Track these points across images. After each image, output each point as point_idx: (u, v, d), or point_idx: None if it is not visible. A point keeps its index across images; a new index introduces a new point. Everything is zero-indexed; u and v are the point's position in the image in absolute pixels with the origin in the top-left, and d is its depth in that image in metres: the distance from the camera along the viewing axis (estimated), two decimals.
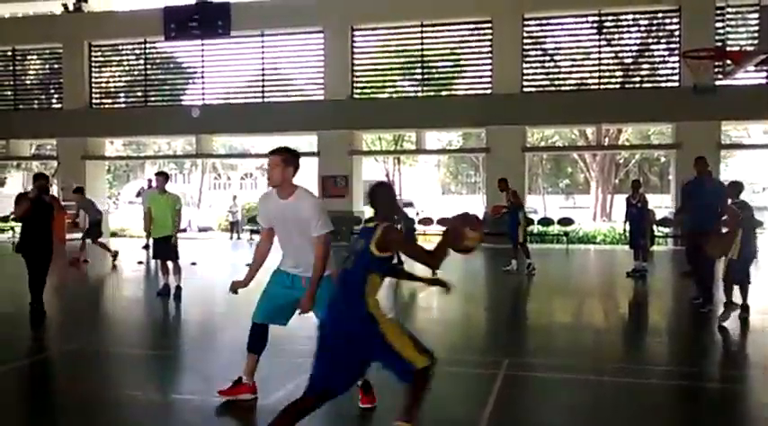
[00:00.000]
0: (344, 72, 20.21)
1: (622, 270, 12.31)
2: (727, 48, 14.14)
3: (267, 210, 4.81)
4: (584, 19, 19.47)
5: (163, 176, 10.08)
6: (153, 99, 22.72)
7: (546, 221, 20.75)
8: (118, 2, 23.90)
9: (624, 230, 12.52)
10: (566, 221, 20.10)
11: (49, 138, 24.42)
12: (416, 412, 3.78)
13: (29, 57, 24.17)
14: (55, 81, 23.51)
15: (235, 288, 4.91)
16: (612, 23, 19.59)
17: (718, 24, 17.24)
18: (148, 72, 22.83)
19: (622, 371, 5.96)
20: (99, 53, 22.94)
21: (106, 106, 23.21)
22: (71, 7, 22.50)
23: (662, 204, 24.54)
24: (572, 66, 19.93)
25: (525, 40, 19.34)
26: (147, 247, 14.91)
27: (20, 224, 8.35)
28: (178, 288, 9.60)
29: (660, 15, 19.20)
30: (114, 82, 23.70)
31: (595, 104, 18.49)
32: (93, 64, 22.72)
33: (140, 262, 14.70)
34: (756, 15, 13.30)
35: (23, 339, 7.36)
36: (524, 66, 19.34)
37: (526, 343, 7.43)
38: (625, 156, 38.88)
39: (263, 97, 21.41)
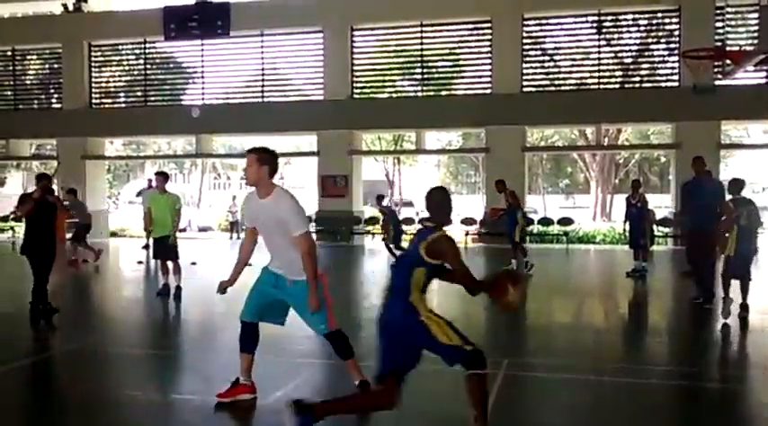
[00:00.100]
0: (344, 72, 20.20)
1: (622, 270, 12.31)
2: (727, 48, 14.13)
3: (250, 210, 4.83)
4: (583, 19, 19.47)
5: (162, 176, 10.08)
6: (153, 99, 22.72)
7: (546, 221, 20.74)
8: (117, 2, 23.91)
9: (624, 230, 12.51)
10: (565, 221, 20.11)
11: (48, 138, 24.42)
12: (486, 412, 3.87)
13: (29, 57, 24.16)
14: (55, 81, 23.50)
15: (222, 287, 4.92)
16: (612, 23, 19.59)
17: (718, 24, 17.24)
18: (148, 72, 22.83)
19: (622, 371, 5.96)
20: (99, 53, 22.94)
21: (106, 106, 23.20)
22: (71, 7, 22.48)
23: (662, 204, 24.57)
24: (572, 65, 19.93)
25: (525, 40, 19.34)
26: (147, 247, 14.92)
27: (18, 224, 8.36)
28: (178, 288, 9.60)
29: (660, 15, 19.20)
30: (114, 82, 23.70)
31: (595, 104, 18.49)
32: (92, 64, 22.71)
33: (140, 262, 14.70)
34: (756, 15, 13.31)
35: (23, 339, 7.36)
36: (524, 65, 19.33)
37: (526, 343, 7.43)
38: (625, 156, 38.90)
39: (262, 97, 21.41)
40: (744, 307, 7.94)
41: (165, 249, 9.71)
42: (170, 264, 9.78)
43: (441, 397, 5.25)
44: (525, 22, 19.30)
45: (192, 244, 18.45)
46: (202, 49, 21.71)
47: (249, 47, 21.50)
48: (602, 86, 19.30)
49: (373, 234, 20.60)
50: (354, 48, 20.51)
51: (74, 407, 5.09)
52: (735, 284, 8.00)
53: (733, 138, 32.12)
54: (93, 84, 22.80)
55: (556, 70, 20.01)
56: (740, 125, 29.71)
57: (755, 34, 13.13)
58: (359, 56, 20.68)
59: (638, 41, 19.97)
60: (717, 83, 16.22)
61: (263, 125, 20.90)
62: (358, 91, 20.72)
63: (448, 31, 20.41)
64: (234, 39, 20.85)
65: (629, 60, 19.95)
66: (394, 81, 21.56)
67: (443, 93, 20.75)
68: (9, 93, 23.65)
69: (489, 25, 19.39)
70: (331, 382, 4.97)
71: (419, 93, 20.70)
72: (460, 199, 44.82)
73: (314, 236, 16.87)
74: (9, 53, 23.41)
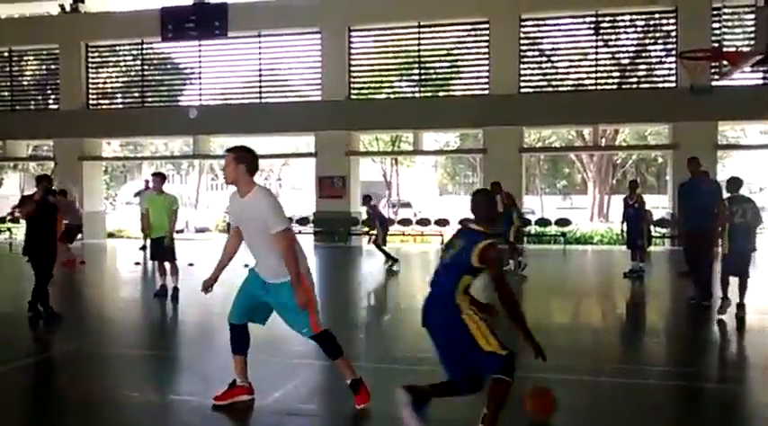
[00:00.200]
0: (342, 73, 20.21)
1: (619, 271, 12.32)
2: (724, 49, 14.13)
3: (233, 209, 4.85)
4: (581, 20, 19.50)
5: (159, 177, 10.08)
6: (150, 100, 22.70)
7: (543, 222, 20.77)
8: (115, 2, 23.87)
9: (621, 231, 12.52)
10: (563, 222, 20.13)
11: (45, 139, 24.38)
12: (497, 418, 3.88)
13: (26, 58, 24.13)
14: (52, 82, 23.46)
15: (206, 286, 4.92)
16: (609, 24, 19.62)
17: (715, 25, 17.28)
18: (145, 73, 22.81)
19: (620, 372, 5.96)
20: (96, 54, 22.91)
21: (103, 107, 23.17)
22: (68, 8, 22.46)
23: (659, 204, 24.56)
24: (569, 66, 19.95)
25: (522, 41, 19.36)
26: (144, 248, 14.91)
27: (15, 225, 8.35)
28: (175, 289, 9.59)
29: (657, 16, 19.23)
30: (111, 83, 23.67)
31: (592, 105, 18.51)
32: (90, 65, 22.69)
33: (138, 263, 14.69)
34: (752, 16, 13.33)
35: (21, 339, 7.36)
36: (521, 66, 19.35)
37: (522, 343, 7.42)
38: (622, 157, 38.94)
39: (260, 98, 21.41)
40: (740, 307, 7.95)
41: (162, 250, 9.70)
42: (167, 265, 9.77)
43: (442, 398, 5.25)
44: (523, 23, 19.32)
45: (190, 245, 18.43)
46: (200, 50, 21.70)
47: (247, 47, 21.49)
48: (599, 87, 19.32)
49: (371, 235, 20.59)
50: (352, 49, 20.51)
51: (72, 408, 5.09)
52: (734, 285, 8.02)
53: (730, 139, 32.18)
54: (91, 85, 22.77)
55: (553, 71, 20.03)
56: (737, 125, 29.75)
57: (752, 35, 13.14)
58: (356, 56, 20.68)
59: (635, 42, 20.00)
60: (714, 83, 16.26)
61: (261, 126, 20.90)
62: (356, 92, 20.72)
63: (445, 31, 20.42)
64: (231, 40, 20.86)
65: (627, 61, 19.98)
66: (391, 82, 21.56)
67: (441, 93, 20.75)
68: (6, 93, 23.61)
69: (487, 26, 19.40)
70: (329, 382, 4.97)
71: (417, 94, 20.70)
72: (458, 201, 44.87)
73: (312, 237, 16.79)
74: (6, 54, 23.36)
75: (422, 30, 20.16)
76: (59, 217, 8.86)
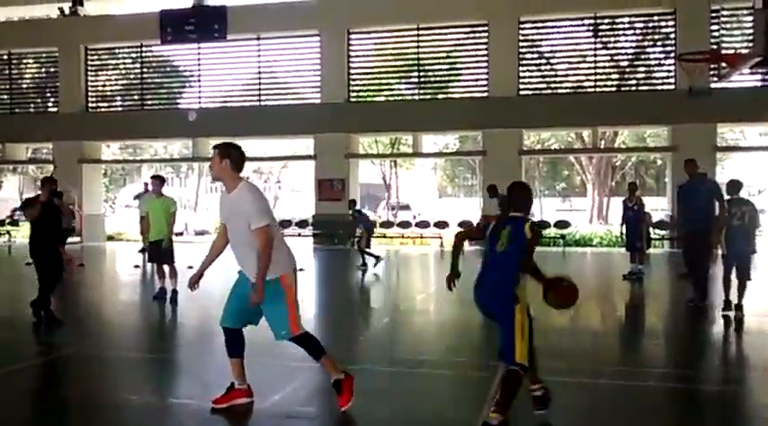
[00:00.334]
0: (341, 75, 20.22)
1: (619, 273, 12.32)
2: (722, 51, 14.19)
3: (221, 206, 4.84)
4: (580, 22, 19.54)
5: (158, 180, 10.09)
6: (149, 103, 22.71)
7: (542, 224, 20.74)
8: (114, 6, 23.86)
9: (621, 233, 12.52)
10: (562, 224, 20.12)
11: (45, 142, 24.38)
12: (508, 406, 4.18)
13: (25, 61, 24.15)
14: (51, 85, 23.49)
15: (191, 283, 4.90)
16: (608, 26, 19.65)
17: (714, 27, 17.32)
18: (145, 76, 22.83)
19: (620, 374, 5.96)
20: (95, 57, 22.93)
21: (102, 110, 23.19)
22: (67, 11, 22.48)
23: (658, 207, 24.56)
24: (568, 68, 19.98)
25: (521, 43, 19.39)
26: (143, 251, 14.90)
27: (14, 228, 8.34)
28: (174, 292, 9.58)
29: (656, 18, 19.26)
30: (110, 86, 23.69)
31: (591, 107, 18.53)
32: (89, 67, 22.71)
33: (137, 266, 14.68)
34: (751, 18, 13.34)
35: (20, 342, 7.34)
36: (521, 69, 19.38)
37: None
38: (621, 159, 38.95)
39: (259, 100, 21.42)
40: (738, 308, 7.97)
41: (161, 253, 9.70)
42: (166, 268, 9.76)
43: (441, 399, 5.25)
44: (522, 26, 19.34)
45: (189, 248, 18.40)
46: (199, 53, 21.72)
47: (246, 50, 21.52)
48: (598, 89, 19.35)
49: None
50: (351, 52, 20.54)
51: (71, 410, 5.09)
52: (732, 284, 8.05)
53: (729, 141, 32.19)
54: (90, 88, 22.79)
55: (552, 73, 20.06)
56: (736, 127, 29.76)
57: (750, 37, 13.17)
58: (356, 59, 20.70)
59: (634, 44, 20.02)
60: (712, 85, 16.31)
61: (260, 128, 20.90)
62: (355, 94, 20.73)
63: (445, 34, 20.46)
64: (231, 43, 20.88)
65: (626, 63, 20.00)
66: (391, 84, 21.58)
67: (440, 96, 20.77)
68: (5, 96, 23.62)
69: (486, 28, 19.43)
70: (328, 385, 4.95)
71: (416, 97, 20.72)
72: (457, 203, 44.87)
73: (312, 240, 16.76)
74: (5, 57, 23.40)
75: (421, 32, 20.19)
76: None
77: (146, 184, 18.21)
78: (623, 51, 20.09)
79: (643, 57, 19.86)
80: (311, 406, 5.08)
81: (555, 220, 20.69)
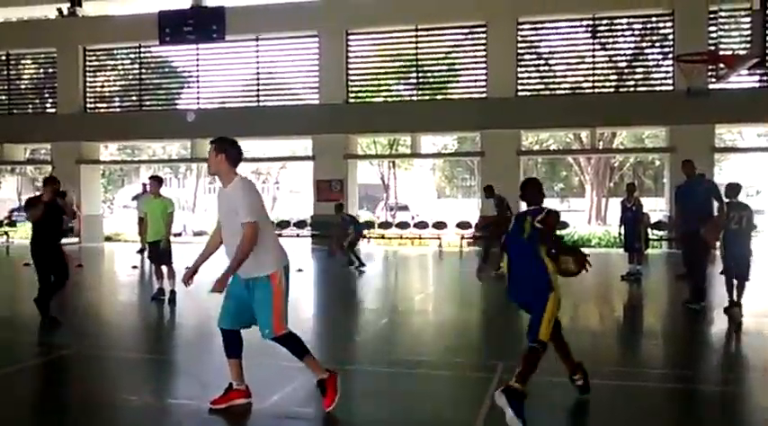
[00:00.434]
0: (339, 76, 20.23)
1: (617, 274, 12.32)
2: (721, 52, 14.22)
3: (218, 202, 4.83)
4: (578, 23, 19.56)
5: (156, 180, 10.10)
6: (148, 103, 22.70)
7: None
8: (112, 6, 23.85)
9: (619, 233, 12.52)
10: (560, 224, 20.10)
11: (43, 143, 24.35)
12: (527, 378, 4.48)
13: (23, 62, 24.12)
14: (49, 85, 23.46)
15: (185, 278, 4.91)
16: (607, 27, 19.67)
17: (712, 28, 17.34)
18: (143, 76, 22.82)
19: (618, 374, 5.96)
20: (94, 57, 22.91)
21: (101, 110, 23.18)
22: (65, 11, 22.46)
23: (656, 207, 24.60)
24: (567, 69, 19.99)
25: (520, 44, 19.40)
26: (141, 251, 14.89)
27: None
28: (173, 293, 9.58)
29: (654, 19, 19.28)
30: (109, 86, 23.67)
31: (590, 108, 18.55)
32: (87, 68, 22.69)
33: (135, 267, 14.67)
34: (749, 20, 13.37)
35: (19, 343, 7.33)
36: (519, 69, 19.39)
37: (521, 347, 7.41)
38: (620, 160, 38.99)
39: (258, 101, 21.42)
40: (737, 305, 8.01)
41: (159, 253, 9.70)
42: (164, 269, 9.76)
43: (440, 400, 5.25)
44: (520, 26, 19.36)
45: (188, 249, 18.39)
46: (197, 54, 21.70)
47: (244, 51, 21.51)
48: (596, 90, 19.36)
49: (369, 238, 20.60)
50: (350, 52, 20.54)
51: (70, 411, 5.08)
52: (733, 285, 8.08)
53: (727, 142, 32.25)
54: (88, 89, 22.78)
55: (551, 74, 20.07)
56: (734, 128, 29.82)
57: (748, 38, 13.20)
58: (354, 60, 20.70)
59: (632, 45, 20.04)
60: (710, 86, 16.33)
61: (259, 129, 20.89)
62: (353, 95, 20.74)
63: (443, 35, 20.47)
64: (229, 44, 20.86)
65: (624, 64, 20.02)
66: (389, 85, 21.58)
67: (439, 97, 20.77)
68: (3, 97, 23.58)
69: (484, 29, 19.44)
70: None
71: (414, 97, 20.72)
72: (455, 203, 44.90)
73: (310, 241, 16.78)
74: (4, 57, 23.37)
75: (419, 33, 20.20)
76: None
77: (144, 185, 18.23)
78: (621, 52, 20.11)
79: (641, 57, 19.88)
80: (310, 407, 5.07)
81: None
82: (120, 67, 23.73)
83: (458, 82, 20.93)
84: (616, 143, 33.06)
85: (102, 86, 23.50)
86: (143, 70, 22.85)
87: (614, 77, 19.90)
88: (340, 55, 20.25)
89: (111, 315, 9.61)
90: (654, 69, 19.62)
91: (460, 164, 45.59)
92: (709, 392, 5.60)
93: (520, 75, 19.42)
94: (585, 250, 5.62)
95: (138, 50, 22.61)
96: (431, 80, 20.87)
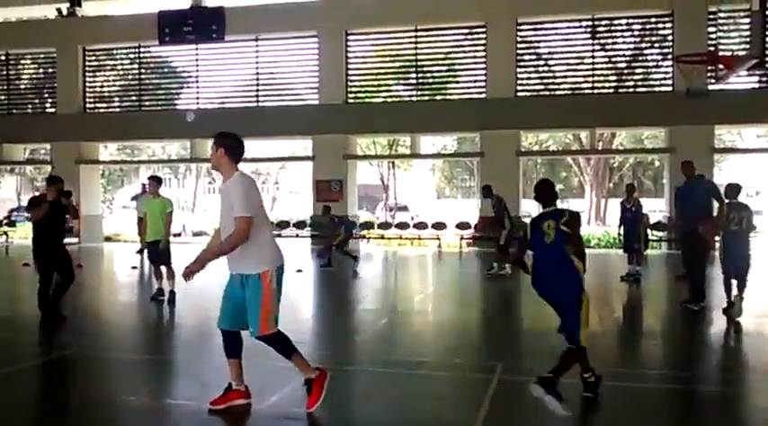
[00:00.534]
0: (339, 76, 20.23)
1: (616, 274, 12.32)
2: (720, 53, 14.22)
3: (220, 197, 4.82)
4: (577, 23, 19.56)
5: (155, 180, 10.10)
6: (147, 103, 22.69)
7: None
8: (112, 6, 23.86)
9: (618, 234, 12.52)
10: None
11: (43, 143, 24.35)
12: (561, 374, 4.73)
13: (23, 62, 24.11)
14: (49, 85, 23.45)
15: (186, 274, 4.83)
16: (606, 28, 19.68)
17: (711, 29, 17.35)
18: (143, 76, 22.81)
19: (618, 375, 5.95)
20: (93, 57, 22.91)
21: (100, 110, 23.17)
22: (65, 12, 22.46)
23: (656, 208, 24.61)
24: (566, 70, 19.98)
25: (519, 45, 19.40)
26: (141, 252, 14.89)
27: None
28: (172, 293, 9.58)
29: (653, 20, 19.29)
30: (108, 86, 23.67)
31: (589, 108, 18.55)
32: (87, 68, 22.68)
33: (134, 267, 14.67)
34: (748, 20, 13.38)
35: (18, 343, 7.32)
36: (519, 70, 19.39)
37: (520, 347, 7.44)
38: (619, 160, 39.00)
39: (257, 101, 21.41)
40: (739, 299, 8.06)
41: (158, 253, 9.70)
42: (164, 269, 9.76)
43: (440, 401, 5.25)
44: (519, 27, 19.36)
45: (187, 249, 18.38)
46: (197, 54, 21.70)
47: (244, 51, 21.50)
48: (596, 91, 19.36)
49: (368, 238, 20.61)
50: (349, 53, 20.54)
51: (69, 411, 5.08)
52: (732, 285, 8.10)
53: (726, 143, 32.26)
54: (88, 89, 22.77)
55: (550, 74, 20.07)
56: (734, 129, 29.84)
57: (748, 39, 13.20)
58: (354, 60, 20.70)
59: (631, 46, 20.04)
60: (710, 87, 16.33)
61: (258, 129, 20.84)
62: (353, 95, 20.74)
63: (443, 35, 20.46)
64: (229, 44, 20.86)
65: (623, 65, 20.02)
66: (389, 85, 21.58)
67: (438, 97, 20.77)
68: (3, 97, 23.57)
69: (484, 30, 19.44)
70: (327, 386, 4.94)
71: (414, 98, 20.72)
72: (455, 204, 44.89)
73: (309, 241, 16.77)
74: (3, 57, 23.36)
75: (419, 33, 20.20)
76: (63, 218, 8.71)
77: (143, 185, 18.20)
78: (621, 53, 20.12)
79: (641, 58, 19.89)
80: None
81: None
82: (119, 67, 23.72)
83: (457, 82, 20.93)
84: (615, 143, 33.07)
85: (102, 86, 23.50)
86: (143, 70, 22.84)
87: (614, 78, 19.90)
88: (340, 55, 20.25)
89: (110, 315, 9.61)
90: (653, 70, 19.63)
91: (460, 165, 45.57)
92: (708, 393, 5.60)
93: (519, 76, 19.42)
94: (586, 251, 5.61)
95: (137, 50, 22.60)
96: (430, 80, 20.88)
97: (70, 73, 22.19)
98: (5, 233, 22.10)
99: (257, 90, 21.49)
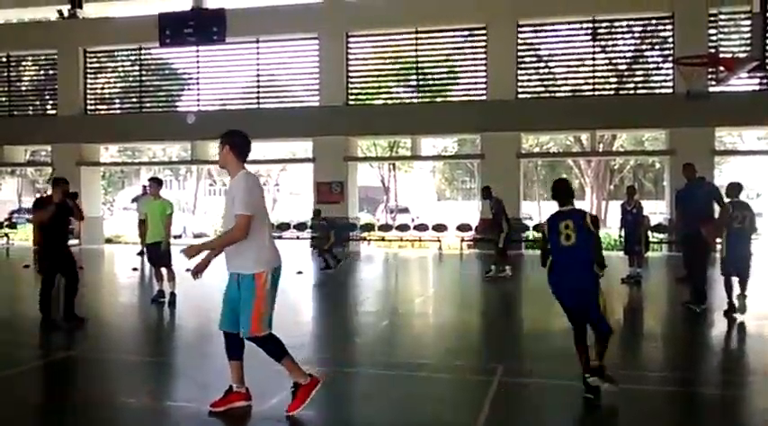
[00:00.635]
0: (340, 78, 20.23)
1: (617, 276, 12.30)
2: (720, 55, 14.20)
3: (226, 198, 4.84)
4: (578, 25, 19.55)
5: (156, 182, 10.10)
6: (148, 105, 22.70)
7: (541, 227, 20.76)
8: (113, 8, 23.89)
9: (619, 236, 12.52)
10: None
11: (43, 145, 24.37)
12: (604, 354, 5.10)
13: (24, 64, 24.13)
14: (50, 87, 23.46)
15: (194, 272, 4.92)
16: (606, 30, 19.67)
17: (711, 31, 17.34)
18: (143, 78, 22.82)
19: (618, 377, 5.95)
20: (94, 59, 22.92)
21: (101, 112, 23.18)
22: (66, 13, 22.47)
23: (656, 210, 24.61)
24: (566, 72, 19.98)
25: (520, 47, 19.40)
26: (141, 254, 14.89)
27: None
28: (172, 295, 9.58)
29: (654, 22, 19.29)
30: (109, 88, 23.68)
31: (590, 110, 18.55)
32: (88, 70, 22.70)
33: (135, 269, 14.67)
34: (749, 22, 13.37)
35: (18, 345, 7.32)
36: (519, 72, 19.38)
37: (521, 349, 7.43)
38: (620, 162, 39.00)
39: (258, 103, 21.42)
40: (742, 296, 8.09)
41: (159, 255, 9.70)
42: (164, 271, 9.76)
43: (440, 403, 5.25)
44: (520, 29, 19.36)
45: None
46: (198, 56, 21.71)
47: (245, 53, 21.51)
48: (596, 93, 19.35)
49: (369, 240, 20.61)
50: (350, 55, 20.55)
51: (70, 413, 5.07)
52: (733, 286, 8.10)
53: (727, 145, 32.23)
54: (89, 91, 22.78)
55: (551, 77, 20.07)
56: (734, 131, 29.84)
57: (748, 41, 13.20)
58: (354, 62, 20.71)
59: (632, 48, 20.04)
60: (710, 89, 16.32)
61: (259, 131, 20.71)
62: (353, 97, 20.74)
63: (443, 37, 20.46)
64: (229, 46, 20.85)
65: (624, 67, 20.01)
66: (389, 87, 21.58)
67: (439, 99, 20.77)
68: (4, 99, 23.59)
69: (484, 32, 19.44)
70: (326, 388, 4.95)
71: (414, 100, 20.73)
72: (456, 206, 44.90)
73: (310, 242, 16.77)
74: (4, 59, 23.38)
75: (419, 35, 20.21)
76: (67, 220, 8.66)
77: (144, 187, 18.22)
78: (621, 55, 20.10)
79: (641, 60, 19.88)
80: (310, 410, 5.06)
81: None
82: (120, 69, 23.73)
83: (458, 84, 20.92)
84: (616, 145, 33.07)
85: (103, 88, 23.51)
86: (143, 72, 22.86)
87: (614, 80, 19.90)
88: (340, 57, 20.25)
89: (111, 317, 9.61)
90: (654, 72, 19.61)
91: (460, 167, 45.57)
92: (709, 395, 5.59)
93: (520, 78, 19.42)
94: None
95: (138, 52, 22.62)
96: (431, 82, 20.88)
97: (71, 74, 22.20)
98: (6, 235, 22.09)
99: (258, 92, 21.49)
